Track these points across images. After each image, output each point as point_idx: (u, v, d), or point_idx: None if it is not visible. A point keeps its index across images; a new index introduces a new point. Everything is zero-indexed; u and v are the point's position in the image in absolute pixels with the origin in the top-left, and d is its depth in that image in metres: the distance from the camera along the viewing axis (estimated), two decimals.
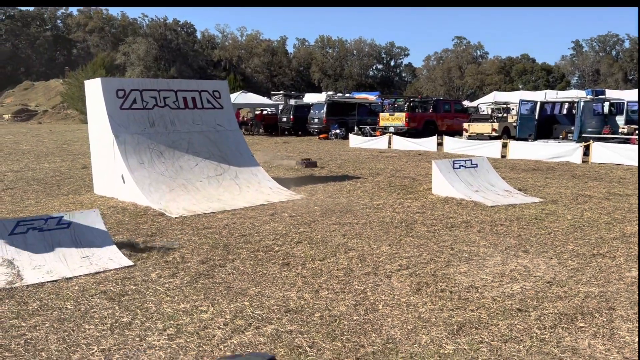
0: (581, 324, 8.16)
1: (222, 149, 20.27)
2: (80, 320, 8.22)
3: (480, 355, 7.18)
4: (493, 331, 7.95)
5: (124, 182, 17.83)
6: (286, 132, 61.17)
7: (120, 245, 12.10)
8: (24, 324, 8.06)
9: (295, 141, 51.74)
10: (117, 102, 18.70)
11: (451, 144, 39.09)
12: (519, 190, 20.35)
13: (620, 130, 34.54)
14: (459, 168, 20.18)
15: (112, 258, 11.12)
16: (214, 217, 15.82)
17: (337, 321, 8.34)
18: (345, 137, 50.17)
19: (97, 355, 7.04)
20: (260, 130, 63.57)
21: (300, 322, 8.27)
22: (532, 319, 8.38)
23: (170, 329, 8.00)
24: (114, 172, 18.35)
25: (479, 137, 42.58)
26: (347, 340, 7.66)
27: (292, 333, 7.89)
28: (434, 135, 42.10)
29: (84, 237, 11.26)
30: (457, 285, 10.01)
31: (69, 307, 8.74)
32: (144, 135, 18.86)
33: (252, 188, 19.20)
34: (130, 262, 11.11)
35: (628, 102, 36.54)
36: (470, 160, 20.86)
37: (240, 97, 63.98)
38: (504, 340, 7.66)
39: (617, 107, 36.47)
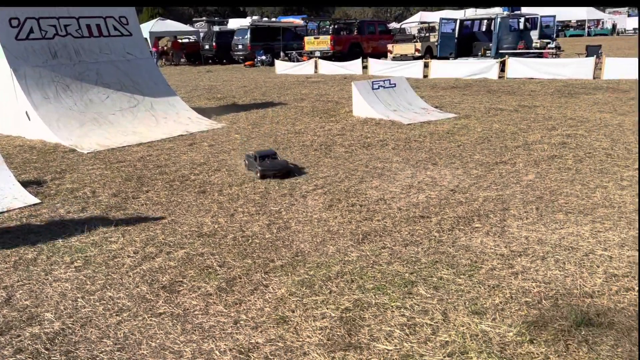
0: (477, 225, 8.79)
1: (135, 79, 19.31)
2: None
3: (382, 259, 7.63)
4: (395, 237, 8.42)
5: (29, 120, 16.77)
6: (210, 61, 58.93)
7: (27, 184, 11.57)
8: None
9: (219, 70, 50.07)
10: (11, 33, 17.17)
11: (376, 66, 39.18)
12: (436, 107, 20.94)
13: (533, 45, 35.78)
14: (378, 89, 20.39)
15: (16, 197, 10.65)
16: (128, 151, 15.34)
17: (250, 241, 8.53)
18: (272, 64, 49.04)
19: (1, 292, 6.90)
20: (182, 60, 60.87)
21: (212, 245, 8.39)
22: (432, 224, 8.92)
23: (78, 261, 7.90)
24: (17, 109, 17.16)
25: (403, 58, 42.85)
26: (257, 257, 7.89)
27: (204, 255, 8.02)
28: (360, 58, 41.92)
29: None
30: (368, 199, 10.41)
31: None
32: (47, 68, 17.58)
33: (169, 119, 18.62)
34: (36, 200, 10.69)
35: (541, 17, 37.64)
36: (389, 80, 21.08)
37: (158, 25, 60.44)
38: (404, 244, 8.15)
39: (531, 23, 37.54)
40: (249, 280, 7.14)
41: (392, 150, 14.53)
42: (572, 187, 10.42)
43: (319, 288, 6.84)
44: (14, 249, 8.35)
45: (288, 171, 12.03)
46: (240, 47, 55.15)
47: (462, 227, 8.71)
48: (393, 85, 20.97)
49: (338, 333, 5.79)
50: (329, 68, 42.32)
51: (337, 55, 46.19)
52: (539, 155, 12.94)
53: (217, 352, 5.53)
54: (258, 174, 11.84)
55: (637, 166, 11.55)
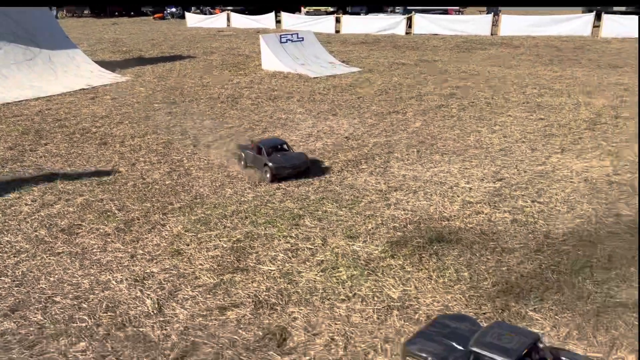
0: (363, 167, 9.68)
1: (30, 31, 18.32)
2: None
3: (275, 198, 8.31)
4: (289, 179, 9.12)
5: None
6: (116, 13, 55.82)
7: None
8: None
9: (126, 23, 47.68)
10: None
11: (290, 20, 39.06)
12: (343, 61, 21.63)
13: None
14: (286, 42, 20.70)
15: None
16: (26, 105, 14.81)
17: (150, 187, 8.89)
18: (182, 17, 47.35)
19: None
20: (86, 12, 57.17)
21: (112, 192, 8.68)
22: (324, 167, 9.70)
23: None
24: None
25: (317, 13, 42.95)
26: (156, 201, 8.31)
27: (103, 201, 8.31)
28: (272, 12, 41.51)
29: None
30: None
31: None
32: None
33: (70, 72, 17.98)
34: None
35: None
36: (297, 34, 21.43)
37: None
38: (297, 185, 8.87)
39: None
40: (147, 221, 7.58)
41: (297, 102, 15.10)
42: (451, 132, 11.58)
43: (214, 225, 7.42)
44: None
45: (307, 168, 9.12)
46: None
47: (350, 169, 9.56)
48: (301, 39, 21.35)
49: (228, 260, 6.44)
50: (241, 21, 41.61)
51: (249, 8, 45.42)
52: (428, 105, 14.06)
53: (113, 282, 6.01)
54: (268, 174, 8.75)
55: (511, 113, 12.93)
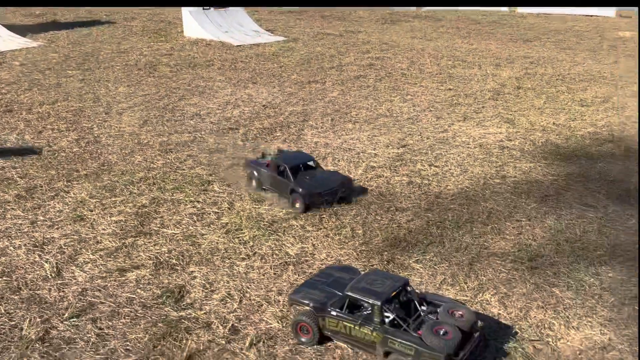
0: (278, 134, 9.88)
1: None
2: None
3: (185, 165, 8.38)
4: (202, 146, 9.19)
5: None
6: None
7: None
8: None
9: None
10: None
11: None
12: (268, 30, 21.49)
13: None
14: (209, 9, 20.28)
15: None
16: None
17: (56, 155, 8.68)
18: None
19: None
20: None
21: (14, 160, 8.40)
22: (239, 134, 9.83)
23: None
24: None
25: None
26: (62, 168, 8.15)
27: (4, 169, 8.05)
28: None
29: None
30: (184, 115, 10.94)
31: None
32: None
33: None
34: None
35: None
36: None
37: None
38: (209, 152, 8.96)
39: None
40: (50, 188, 7.46)
41: (217, 70, 14.97)
42: (365, 102, 11.97)
43: (120, 191, 7.42)
44: None
45: (349, 190, 7.17)
46: None
47: (264, 136, 9.74)
48: (225, 7, 20.96)
49: (132, 224, 6.51)
50: None
51: None
52: (347, 75, 14.38)
53: (11, 247, 5.95)
54: (298, 204, 6.74)
55: (424, 83, 13.50)
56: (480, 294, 5.24)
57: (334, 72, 14.80)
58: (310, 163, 7.30)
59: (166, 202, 7.12)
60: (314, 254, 5.94)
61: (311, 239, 6.25)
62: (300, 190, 6.73)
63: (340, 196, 6.99)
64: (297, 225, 6.54)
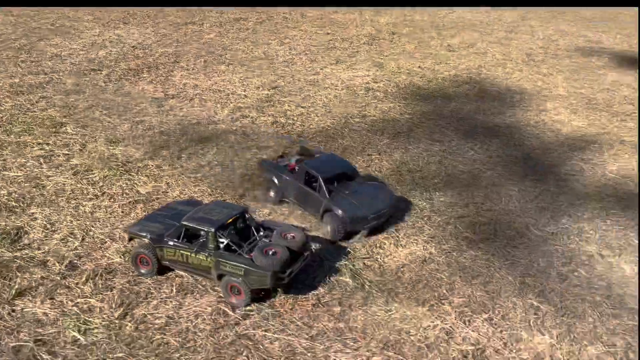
0: (145, 75, 9.50)
1: None
2: None
3: (38, 107, 7.85)
4: (58, 88, 8.64)
5: None
6: None
7: None
8: None
9: None
10: None
11: None
12: None
13: None
14: None
15: None
16: None
17: None
18: None
19: None
20: None
21: None
22: (102, 75, 9.32)
23: None
24: None
25: None
26: None
27: None
28: None
29: None
30: (42, 55, 10.14)
31: None
32: None
33: None
34: None
35: None
36: None
37: None
38: (66, 93, 8.44)
39: None
40: None
41: (86, 10, 13.91)
42: (242, 44, 11.77)
43: None
44: None
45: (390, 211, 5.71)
46: None
47: (129, 78, 9.33)
48: None
49: None
50: None
51: None
52: (227, 18, 13.98)
53: None
54: (336, 229, 5.33)
55: (303, 27, 13.47)
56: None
57: (213, 14, 14.31)
58: (349, 172, 5.71)
59: (11, 144, 6.68)
60: (167, 192, 5.92)
61: (165, 178, 6.20)
62: (340, 213, 5.15)
63: (384, 220, 5.43)
64: (152, 165, 6.44)
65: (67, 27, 12.17)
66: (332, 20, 14.45)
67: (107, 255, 4.94)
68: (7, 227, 5.14)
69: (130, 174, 6.20)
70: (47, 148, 6.68)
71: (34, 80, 8.90)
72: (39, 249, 4.91)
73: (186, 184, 6.08)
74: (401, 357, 4.24)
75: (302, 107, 8.49)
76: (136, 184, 6.02)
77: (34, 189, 5.77)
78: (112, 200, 5.70)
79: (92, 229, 5.23)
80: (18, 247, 4.86)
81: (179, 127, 7.48)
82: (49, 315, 4.27)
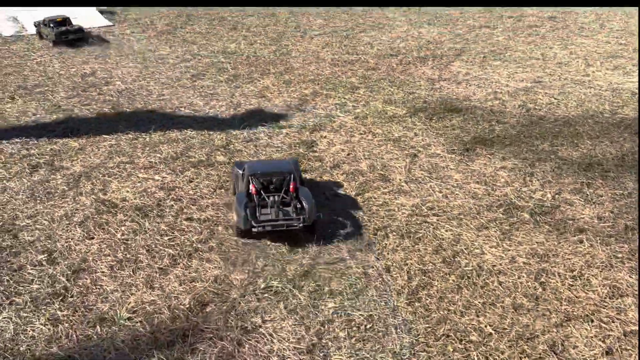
0: (429, 62, 11.55)
1: None
2: (72, 53, 11.64)
3: (345, 75, 10.68)
4: (362, 64, 11.38)
5: None
6: None
7: (103, 12, 15.02)
8: (33, 54, 11.51)
9: None
10: None
11: None
12: None
13: None
14: None
15: (96, 19, 14.15)
16: None
17: (258, 59, 11.72)
18: None
19: (85, 69, 10.58)
20: None
21: (230, 59, 11.66)
22: (395, 60, 11.75)
23: (138, 58, 11.43)
24: None
25: None
26: (259, 67, 11.13)
27: (223, 63, 11.33)
28: None
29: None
30: (358, 42, 13.21)
31: (64, 46, 12.07)
32: None
33: None
34: (110, 23, 14.18)
35: None
36: None
37: None
38: (367, 69, 11.12)
39: None
40: (248, 77, 10.46)
41: (402, 12, 16.80)
42: (525, 47, 12.75)
43: (293, 85, 10.07)
44: (94, 48, 11.97)
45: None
46: None
47: (416, 63, 11.51)
48: None
49: (294, 104, 9.08)
50: None
51: None
52: (521, 25, 14.99)
53: (218, 106, 8.98)
54: None
55: (599, 37, 13.54)
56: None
57: (510, 21, 15.46)
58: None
59: (321, 95, 9.56)
60: (412, 138, 7.77)
61: (415, 130, 8.06)
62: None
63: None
64: (410, 121, 8.40)
65: (383, 24, 15.12)
66: (632, 33, 13.99)
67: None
68: (306, 140, 7.77)
69: (391, 124, 8.28)
70: (343, 100, 9.29)
71: (347, 58, 11.88)
72: (323, 157, 7.37)
73: (429, 136, 7.82)
74: None
75: (555, 98, 9.24)
76: (393, 130, 8.06)
77: (327, 121, 8.34)
78: (374, 136, 7.85)
79: (355, 150, 7.46)
80: (313, 151, 7.39)
81: (439, 100, 9.25)
82: None
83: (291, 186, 5.47)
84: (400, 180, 6.56)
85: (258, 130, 8.08)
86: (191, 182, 6.38)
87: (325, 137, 7.89)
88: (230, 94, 9.54)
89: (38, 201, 5.80)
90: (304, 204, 5.30)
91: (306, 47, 12.75)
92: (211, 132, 7.89)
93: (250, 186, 5.49)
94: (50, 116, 8.22)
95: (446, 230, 5.47)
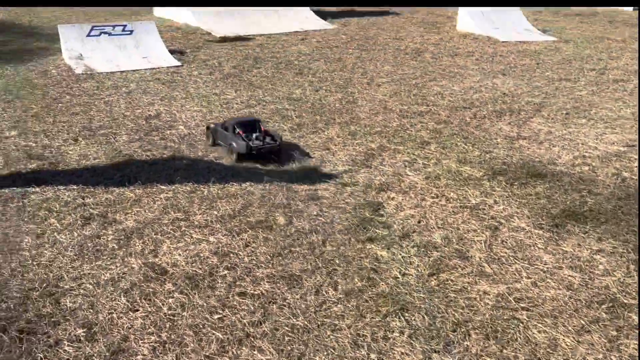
0: (505, 117, 10.75)
1: None
2: (140, 92, 11.70)
3: (414, 127, 10.04)
4: (433, 117, 10.72)
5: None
6: None
7: (172, 52, 15.21)
8: (102, 94, 11.59)
9: None
10: None
11: None
12: (540, 30, 21.41)
13: None
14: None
15: (165, 59, 14.32)
16: (251, 38, 18.51)
17: (323, 107, 11.31)
18: None
19: (150, 111, 10.50)
20: None
21: (295, 105, 11.31)
22: (469, 113, 11.02)
23: (203, 102, 11.28)
24: None
25: None
26: (325, 115, 10.69)
27: (287, 110, 10.98)
28: None
29: (143, 42, 14.44)
30: (428, 92, 12.59)
31: (132, 86, 12.15)
32: None
33: (290, 17, 21.38)
34: (178, 63, 14.30)
35: None
36: None
37: None
38: (437, 122, 10.44)
39: None
40: (312, 126, 10.02)
41: (474, 60, 16.16)
42: (612, 104, 11.72)
43: (359, 137, 9.53)
44: (161, 89, 11.98)
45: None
46: None
47: (491, 118, 10.74)
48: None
49: (359, 159, 8.51)
50: None
51: None
52: (606, 78, 13.94)
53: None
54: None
55: None
56: None
57: (592, 74, 14.45)
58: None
59: (389, 149, 8.94)
60: (492, 206, 6.97)
61: (494, 196, 7.25)
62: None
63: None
64: (488, 185, 7.60)
65: (454, 73, 14.49)
66: None
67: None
68: (372, 200, 7.14)
69: (467, 187, 7.52)
70: (413, 156, 8.63)
71: (416, 108, 11.26)
72: (391, 224, 6.70)
73: (511, 205, 7.00)
74: None
75: None
76: (469, 195, 7.29)
77: (395, 180, 7.69)
78: (448, 201, 7.12)
79: (427, 216, 6.75)
80: (379, 215, 6.75)
81: (520, 162, 8.40)
82: None
83: (262, 128, 8.01)
84: (480, 258, 5.76)
85: (321, 186, 7.51)
86: (247, 246, 5.84)
87: (393, 198, 7.23)
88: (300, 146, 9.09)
89: (86, 260, 5.41)
90: (274, 135, 8.16)
91: (373, 95, 12.26)
92: (271, 188, 7.39)
93: (237, 130, 7.94)
94: (110, 161, 7.99)
95: (539, 332, 4.61)
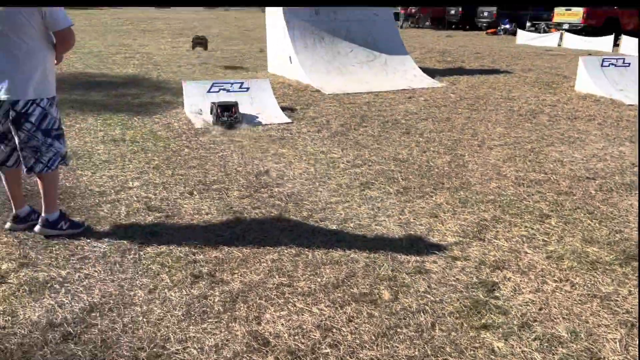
0: (637, 192, 9.70)
1: (376, 37, 22.59)
2: (252, 148, 12.10)
3: (532, 199, 9.36)
4: (553, 187, 9.95)
5: (290, 63, 21.43)
6: (453, 26, 60.01)
7: (283, 109, 15.78)
8: (217, 148, 12.16)
9: (460, 36, 51.09)
10: None
11: (631, 44, 35.91)
12: None
13: None
14: (608, 66, 20.00)
15: (276, 116, 14.86)
16: (359, 96, 18.76)
17: (431, 170, 10.97)
18: (514, 33, 48.15)
19: (260, 167, 10.79)
20: (427, 23, 63.12)
21: (402, 167, 11.09)
22: (593, 184, 10.11)
23: (311, 160, 11.43)
24: (284, 54, 22.00)
25: None
26: (432, 179, 10.34)
27: (393, 172, 10.78)
28: (613, 34, 38.73)
29: (258, 99, 15.12)
30: (546, 158, 11.81)
31: (245, 142, 12.65)
32: (310, 22, 21.94)
33: (397, 74, 21.54)
34: (289, 120, 14.76)
35: None
36: (623, 58, 20.37)
37: None
38: (558, 193, 9.66)
39: None
40: (420, 191, 9.69)
41: (596, 125, 15.07)
42: None
43: (470, 205, 9.03)
44: (272, 146, 12.32)
45: None
46: (485, 14, 54.98)
47: (620, 191, 9.76)
48: (627, 64, 20.26)
49: (470, 230, 8.01)
50: (574, 42, 40.18)
51: (588, 29, 43.12)
52: None
53: (385, 223, 8.30)
54: None
55: None
56: None
57: None
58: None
59: (504, 221, 8.35)
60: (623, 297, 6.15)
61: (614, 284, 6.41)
62: None
63: None
64: (619, 271, 6.76)
65: (574, 138, 13.55)
66: None
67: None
68: (486, 279, 6.61)
69: (595, 272, 6.74)
70: (531, 232, 7.97)
71: (533, 176, 10.55)
72: (508, 309, 6.14)
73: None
74: None
75: None
76: (599, 283, 6.52)
77: (512, 258, 7.10)
78: (573, 287, 6.40)
79: (549, 304, 6.09)
80: (494, 297, 6.21)
81: None
82: None
83: (234, 109, 12.43)
84: None
85: (429, 258, 7.12)
86: (350, 321, 5.57)
87: (510, 279, 6.64)
88: (399, 209, 8.82)
89: (192, 321, 5.43)
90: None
91: (485, 159, 11.72)
92: (376, 256, 7.13)
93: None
94: (221, 217, 8.20)
95: None
